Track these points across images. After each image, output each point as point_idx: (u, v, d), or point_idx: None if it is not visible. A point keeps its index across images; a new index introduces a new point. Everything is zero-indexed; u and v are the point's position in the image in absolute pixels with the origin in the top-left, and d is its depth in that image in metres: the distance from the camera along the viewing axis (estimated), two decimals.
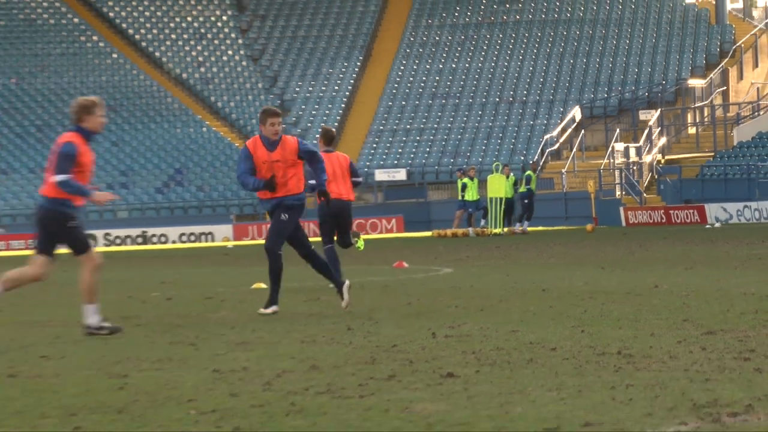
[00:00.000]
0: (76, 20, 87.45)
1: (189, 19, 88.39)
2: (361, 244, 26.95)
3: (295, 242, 18.46)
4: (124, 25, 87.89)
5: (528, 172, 58.35)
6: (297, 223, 18.28)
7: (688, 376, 10.95)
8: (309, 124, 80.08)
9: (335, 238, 24.94)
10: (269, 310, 18.06)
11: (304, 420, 9.63)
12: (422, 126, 78.34)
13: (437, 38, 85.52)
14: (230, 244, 63.05)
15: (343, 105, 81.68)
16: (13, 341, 16.42)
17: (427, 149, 76.02)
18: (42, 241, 16.44)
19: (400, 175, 74.81)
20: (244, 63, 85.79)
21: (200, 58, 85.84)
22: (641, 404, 9.69)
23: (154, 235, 67.84)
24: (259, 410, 10.13)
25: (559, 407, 9.68)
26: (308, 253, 18.48)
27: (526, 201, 56.78)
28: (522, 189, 57.05)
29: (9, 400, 11.23)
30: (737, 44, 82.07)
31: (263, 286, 24.74)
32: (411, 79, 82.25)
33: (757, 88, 79.77)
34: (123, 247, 64.65)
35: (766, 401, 9.53)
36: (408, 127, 78.40)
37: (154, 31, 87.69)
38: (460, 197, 56.60)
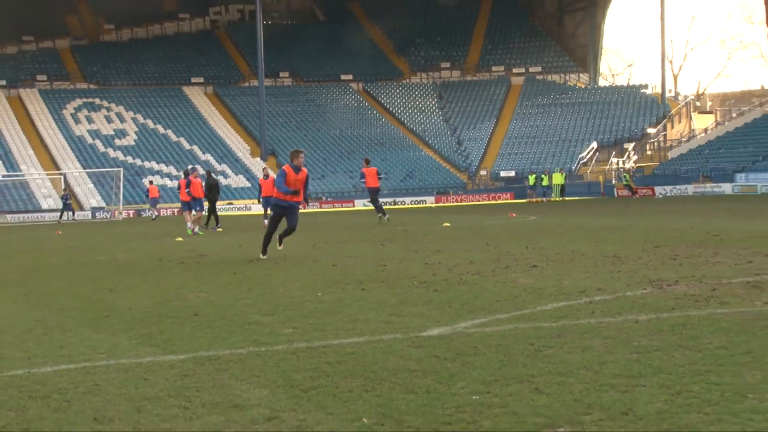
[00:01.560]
0: (366, 104, 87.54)
1: (415, 109, 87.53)
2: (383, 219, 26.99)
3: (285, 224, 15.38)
4: (387, 105, 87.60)
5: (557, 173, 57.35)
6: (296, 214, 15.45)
7: (647, 267, 10.69)
8: (470, 150, 79.35)
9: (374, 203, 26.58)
10: (264, 255, 15.05)
11: (466, 287, 9.56)
12: (521, 151, 77.10)
13: (531, 110, 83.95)
14: (433, 205, 62.79)
15: (486, 141, 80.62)
16: (335, 248, 16.57)
17: (525, 161, 74.95)
18: None
19: (511, 173, 73.85)
20: (441, 122, 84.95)
21: (423, 120, 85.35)
22: (624, 280, 9.51)
23: (401, 201, 67.82)
24: (444, 281, 10.08)
25: (585, 282, 9.54)
26: (290, 229, 15.07)
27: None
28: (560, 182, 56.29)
29: (331, 275, 11.32)
30: (671, 112, 79.92)
31: (448, 224, 24.59)
32: (520, 129, 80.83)
33: (680, 134, 78.17)
34: (392, 206, 64.91)
35: (686, 279, 9.32)
36: (516, 152, 77.22)
37: (403, 108, 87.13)
38: (532, 183, 57.24)
